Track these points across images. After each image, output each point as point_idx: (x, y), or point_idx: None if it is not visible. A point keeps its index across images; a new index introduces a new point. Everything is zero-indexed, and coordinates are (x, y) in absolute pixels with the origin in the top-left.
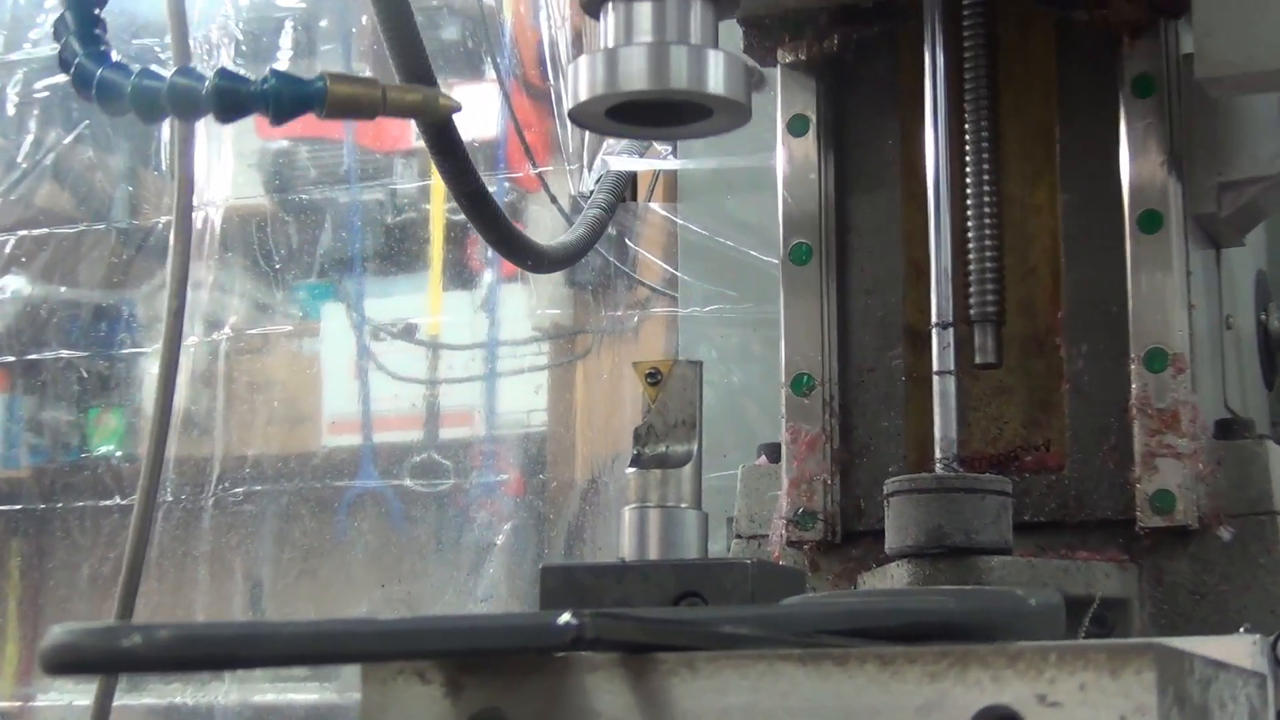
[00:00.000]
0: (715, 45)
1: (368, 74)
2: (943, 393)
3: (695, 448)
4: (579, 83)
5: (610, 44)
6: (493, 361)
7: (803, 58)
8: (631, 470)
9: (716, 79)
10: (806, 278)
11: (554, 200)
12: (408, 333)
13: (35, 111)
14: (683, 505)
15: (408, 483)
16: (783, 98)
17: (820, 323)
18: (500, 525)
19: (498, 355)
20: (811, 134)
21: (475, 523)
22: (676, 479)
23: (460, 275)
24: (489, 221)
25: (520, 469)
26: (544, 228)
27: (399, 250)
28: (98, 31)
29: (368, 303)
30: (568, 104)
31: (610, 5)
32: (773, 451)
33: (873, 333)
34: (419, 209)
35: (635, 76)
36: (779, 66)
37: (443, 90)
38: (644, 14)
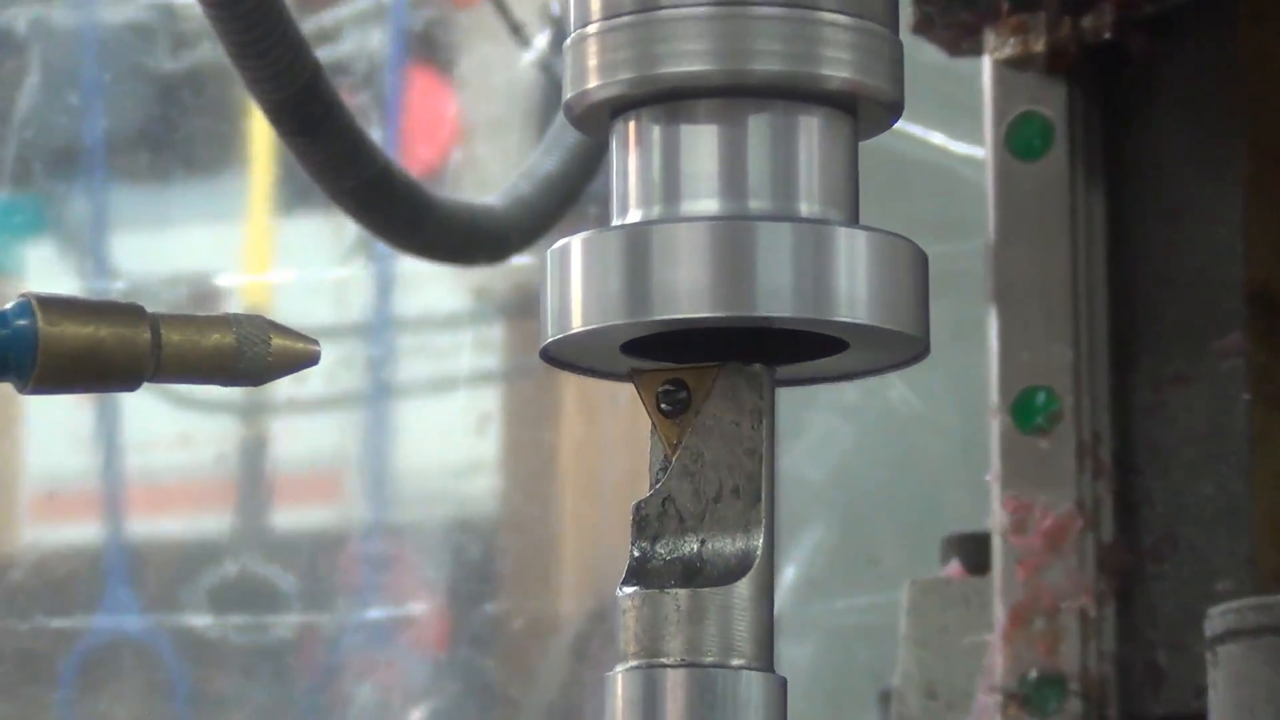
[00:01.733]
0: (853, 215)
1: None
2: None
3: (762, 541)
4: (563, 304)
5: (635, 209)
6: (384, 368)
7: (1038, 49)
8: (629, 592)
9: (874, 293)
10: (1046, 187)
11: (514, 30)
12: (203, 306)
13: None
14: (736, 663)
15: (202, 621)
16: (996, 103)
17: (1073, 282)
18: (405, 713)
19: (396, 355)
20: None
21: (350, 705)
22: (722, 608)
23: (314, 187)
24: (336, 152)
25: (446, 592)
26: (492, 97)
27: (184, 133)
28: None
29: (117, 241)
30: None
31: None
32: (972, 552)
33: (1184, 303)
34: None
35: (689, 296)
36: (987, 59)
37: None
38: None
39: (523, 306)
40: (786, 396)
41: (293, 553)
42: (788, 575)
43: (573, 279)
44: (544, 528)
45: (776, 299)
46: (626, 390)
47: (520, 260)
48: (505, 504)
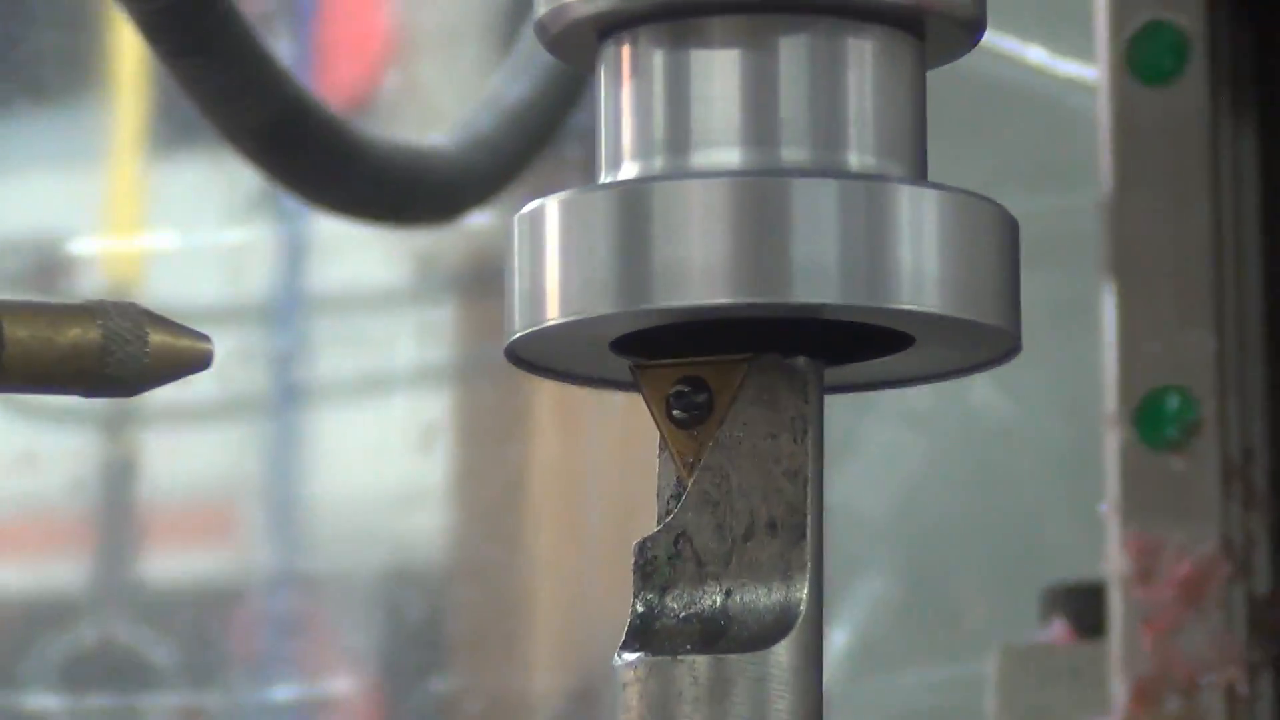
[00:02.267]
0: (918, 168)
1: None
2: None
3: (806, 593)
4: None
5: (631, 161)
6: (295, 364)
7: None
8: (630, 660)
9: (948, 272)
10: (1179, 120)
11: None
12: (50, 281)
13: None
14: None
15: (50, 702)
16: (1114, 10)
17: (1216, 248)
18: None
19: (311, 346)
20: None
21: None
22: (754, 682)
23: (202, 123)
24: (232, 78)
25: (378, 664)
26: (437, 1)
27: (28, 50)
28: None
29: None
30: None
31: (632, 52)
32: (1081, 608)
33: None
34: None
35: (704, 278)
36: None
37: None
38: (726, 73)
39: (480, 283)
40: (836, 403)
41: (171, 612)
42: (839, 639)
43: (548, 254)
44: (510, 577)
45: (818, 281)
46: (620, 393)
47: (478, 221)
48: (458, 545)
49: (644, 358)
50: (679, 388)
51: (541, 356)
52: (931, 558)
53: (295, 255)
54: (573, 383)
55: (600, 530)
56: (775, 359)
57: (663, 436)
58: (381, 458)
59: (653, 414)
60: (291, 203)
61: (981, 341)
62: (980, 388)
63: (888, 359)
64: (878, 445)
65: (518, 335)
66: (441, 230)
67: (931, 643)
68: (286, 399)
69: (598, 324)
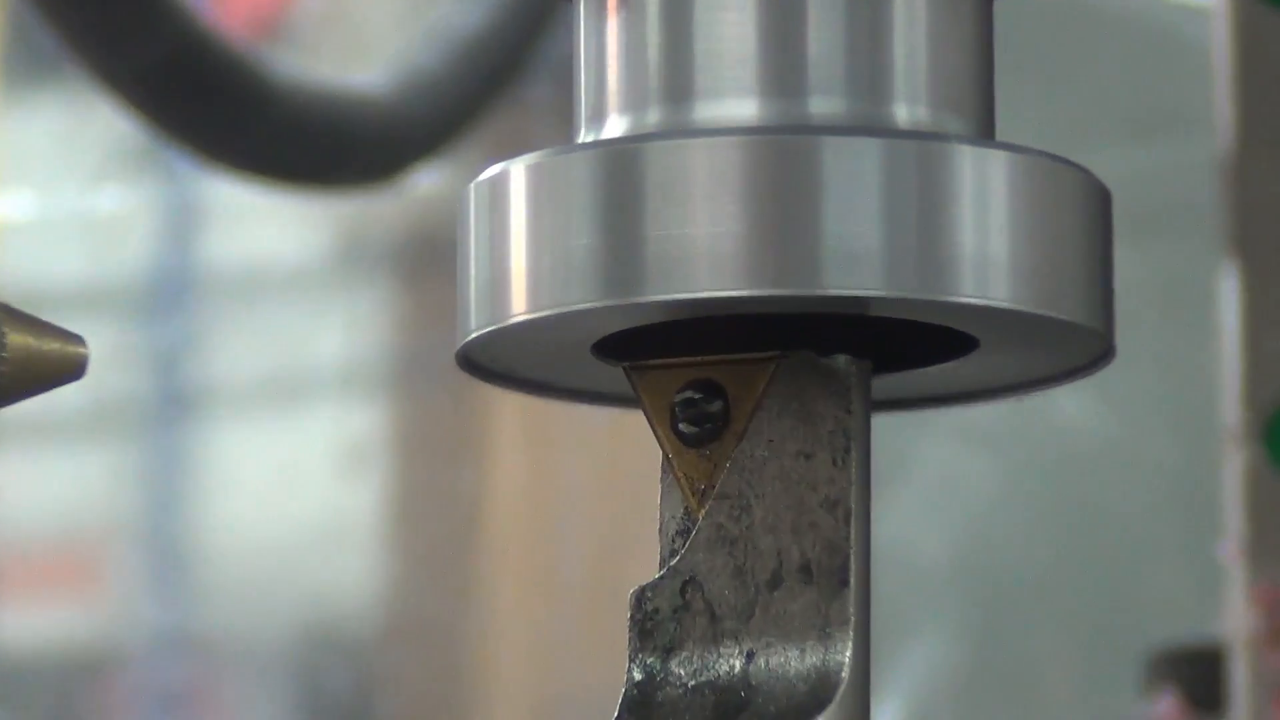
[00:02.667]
0: (983, 123)
1: None
2: None
3: (850, 655)
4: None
5: (618, 114)
6: (181, 365)
7: None
8: None
9: (1022, 256)
10: None
11: None
12: None
13: None
14: None
15: None
16: None
17: None
18: None
19: (203, 341)
20: None
21: None
22: None
23: (65, 59)
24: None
25: None
26: None
27: None
28: None
29: None
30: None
31: None
32: (1196, 677)
33: None
34: None
35: (713, 264)
36: None
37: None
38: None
39: (424, 264)
40: (885, 419)
41: (26, 686)
42: (888, 711)
43: (513, 232)
44: (460, 638)
45: (857, 268)
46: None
47: (421, 185)
48: (394, 598)
49: (639, 358)
50: (687, 394)
51: (504, 362)
52: (1004, 612)
53: (185, 226)
54: (543, 395)
55: (577, 577)
56: (809, 357)
57: (666, 456)
58: (296, 485)
59: (654, 428)
60: (182, 160)
61: (1064, 344)
62: (1066, 398)
63: (945, 367)
64: (936, 470)
65: (474, 336)
66: (374, 196)
67: (1004, 717)
68: (172, 410)
69: (577, 321)
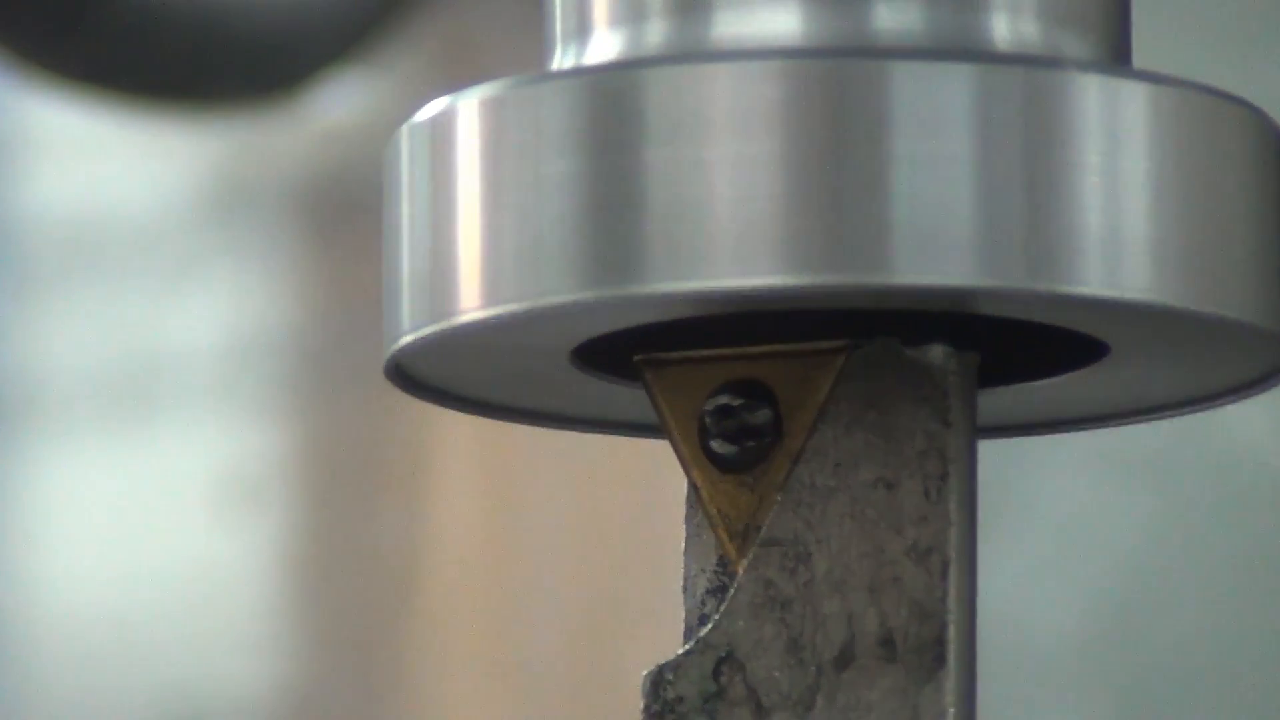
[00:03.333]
0: (1115, 44)
1: None
2: None
3: None
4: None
5: (606, 28)
6: None
7: None
8: None
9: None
10: None
11: None
12: None
13: None
14: None
15: None
16: None
17: None
18: None
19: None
20: None
21: None
22: None
23: None
24: None
25: None
26: None
27: None
28: None
29: None
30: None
31: None
32: None
33: None
34: None
35: (741, 245)
36: None
37: None
38: None
39: (332, 211)
40: (993, 445)
41: None
42: None
43: (461, 195)
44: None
45: (942, 249)
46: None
47: (328, 107)
48: (292, 686)
49: (616, 383)
50: (723, 399)
51: (449, 375)
52: (1156, 700)
53: None
54: (502, 418)
55: (551, 660)
56: (893, 346)
57: (693, 486)
58: (152, 528)
59: (676, 447)
60: None
61: (1227, 351)
62: (1235, 417)
63: (1065, 379)
64: (1065, 511)
65: (407, 340)
66: (260, 121)
67: None
68: None
69: (550, 321)
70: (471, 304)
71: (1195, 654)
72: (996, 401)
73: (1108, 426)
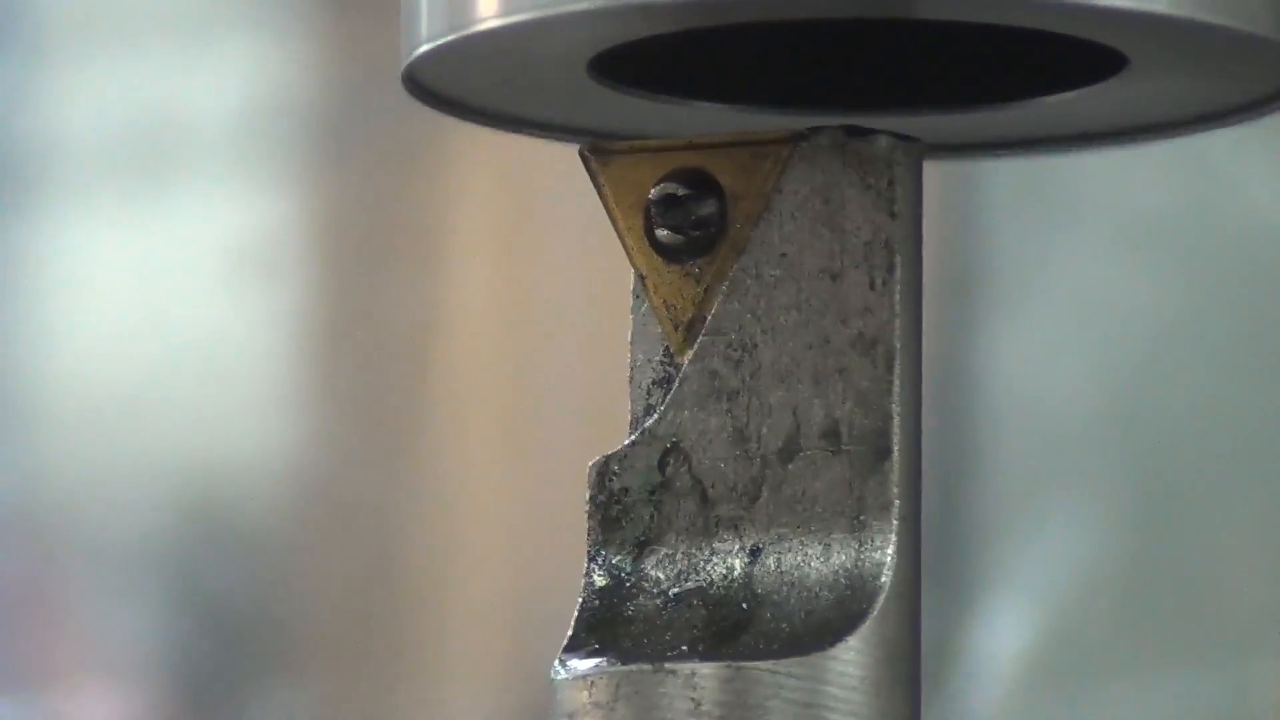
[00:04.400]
0: None
1: None
2: None
3: (894, 547)
4: None
5: None
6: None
7: None
8: (578, 669)
9: None
10: None
11: None
12: None
13: None
14: None
15: None
16: None
17: None
18: None
19: None
20: None
21: None
22: (800, 710)
23: None
24: None
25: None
26: None
27: None
28: None
29: None
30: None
31: None
32: None
33: None
34: None
35: None
36: None
37: None
38: None
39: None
40: (994, 206)
41: None
42: (1010, 620)
43: None
44: (399, 520)
45: None
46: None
47: None
48: (305, 463)
49: (633, 95)
50: (668, 188)
51: (464, 84)
52: (1171, 480)
53: None
54: (517, 130)
55: (564, 435)
56: (836, 136)
57: (639, 276)
58: (165, 299)
59: (620, 235)
60: None
61: (1245, 65)
62: (1254, 179)
63: (1080, 94)
64: (1075, 283)
65: (425, 49)
66: None
67: (1171, 642)
68: None
69: (567, 27)
70: (490, 11)
71: (1208, 429)
72: (1018, 115)
73: (1124, 145)
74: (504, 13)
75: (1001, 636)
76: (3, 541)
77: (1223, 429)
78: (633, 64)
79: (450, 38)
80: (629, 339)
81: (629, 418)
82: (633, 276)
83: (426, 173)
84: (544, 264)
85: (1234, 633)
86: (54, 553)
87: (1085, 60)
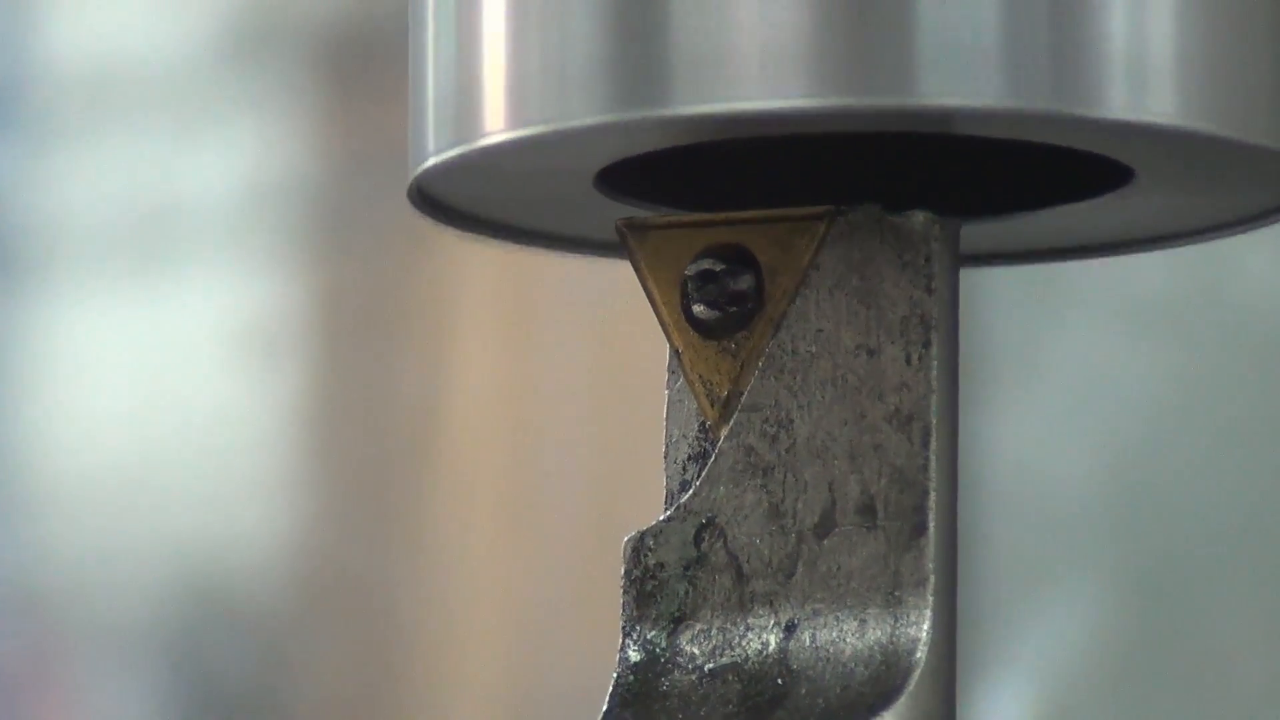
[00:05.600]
0: None
1: None
2: None
3: (928, 623)
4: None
5: None
6: (6, 210)
7: None
8: None
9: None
10: None
11: None
12: None
13: None
14: None
15: None
16: None
17: None
18: None
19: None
20: None
21: None
22: None
23: None
24: None
25: None
26: None
27: None
28: None
29: None
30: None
31: None
32: None
33: None
34: None
35: (761, 67)
36: None
37: None
38: None
39: (355, 50)
40: (1003, 295)
41: None
42: (1012, 700)
43: (487, 18)
44: (401, 600)
45: (965, 69)
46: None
47: None
48: (308, 543)
49: (641, 207)
50: (704, 264)
51: (472, 198)
52: (1174, 561)
53: (5, 13)
54: (524, 243)
55: (567, 517)
56: (875, 213)
57: (674, 351)
58: (168, 380)
59: (657, 311)
60: None
61: (1250, 178)
62: (1256, 260)
63: (1087, 206)
64: (1079, 366)
65: (432, 162)
66: None
67: (1171, 712)
68: None
69: (575, 144)
70: (497, 126)
71: (1211, 511)
72: (1014, 229)
73: (1130, 253)
74: (510, 127)
75: (1002, 715)
76: (4, 621)
77: (1223, 509)
78: (644, 173)
79: (457, 151)
80: (664, 414)
81: (661, 494)
82: (667, 352)
83: (429, 254)
84: (547, 345)
85: (1236, 712)
86: (56, 632)
87: (1090, 172)
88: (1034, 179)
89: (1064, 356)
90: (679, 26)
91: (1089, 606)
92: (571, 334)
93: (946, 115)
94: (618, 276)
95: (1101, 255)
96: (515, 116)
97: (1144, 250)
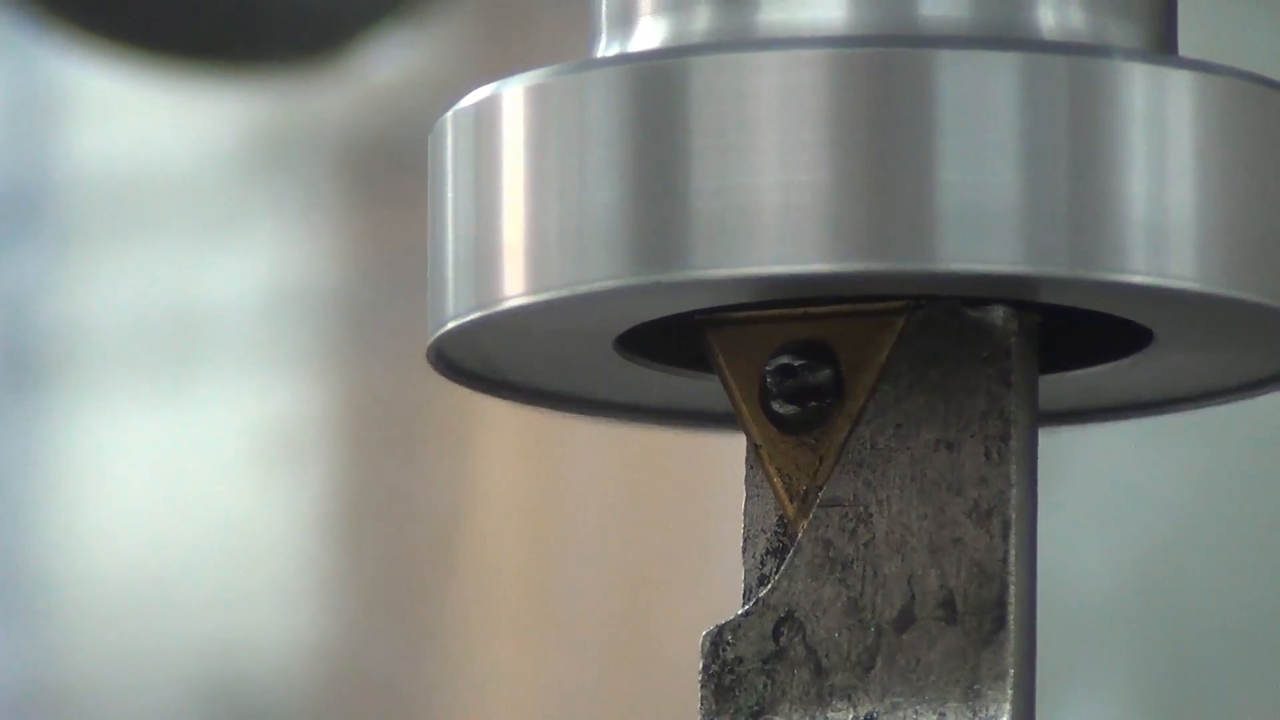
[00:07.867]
0: (1161, 34)
1: None
2: None
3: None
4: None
5: (653, 15)
6: (31, 316)
7: None
8: None
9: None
10: None
11: None
12: None
13: None
14: None
15: None
16: None
17: None
18: None
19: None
20: None
21: None
22: None
23: None
24: None
25: None
26: None
27: None
28: None
29: None
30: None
31: None
32: None
33: None
34: None
35: (795, 233)
36: None
37: None
38: None
39: (375, 168)
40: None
41: None
42: None
43: (506, 180)
44: (426, 705)
45: (988, 235)
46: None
47: (374, 69)
48: (333, 647)
49: (664, 371)
50: (783, 359)
51: (492, 361)
52: (1195, 668)
53: (40, 122)
54: (546, 406)
55: (592, 622)
56: (954, 307)
57: (753, 445)
58: (192, 485)
59: (736, 407)
60: (36, 33)
61: (1274, 338)
62: None
63: (1109, 368)
64: (1106, 476)
65: (451, 326)
66: (304, 82)
67: None
68: (16, 374)
69: (595, 307)
70: (516, 290)
71: (1232, 615)
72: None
73: (1151, 415)
74: (529, 291)
75: None
76: None
77: (1246, 612)
78: (667, 337)
79: (476, 315)
80: (742, 508)
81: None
82: (745, 445)
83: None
84: (571, 451)
85: None
86: None
87: (1108, 335)
88: (1057, 341)
89: (1089, 459)
90: (700, 187)
91: (1111, 707)
92: (595, 441)
93: (965, 280)
94: None
95: (1123, 417)
96: (534, 280)
97: (1165, 412)
